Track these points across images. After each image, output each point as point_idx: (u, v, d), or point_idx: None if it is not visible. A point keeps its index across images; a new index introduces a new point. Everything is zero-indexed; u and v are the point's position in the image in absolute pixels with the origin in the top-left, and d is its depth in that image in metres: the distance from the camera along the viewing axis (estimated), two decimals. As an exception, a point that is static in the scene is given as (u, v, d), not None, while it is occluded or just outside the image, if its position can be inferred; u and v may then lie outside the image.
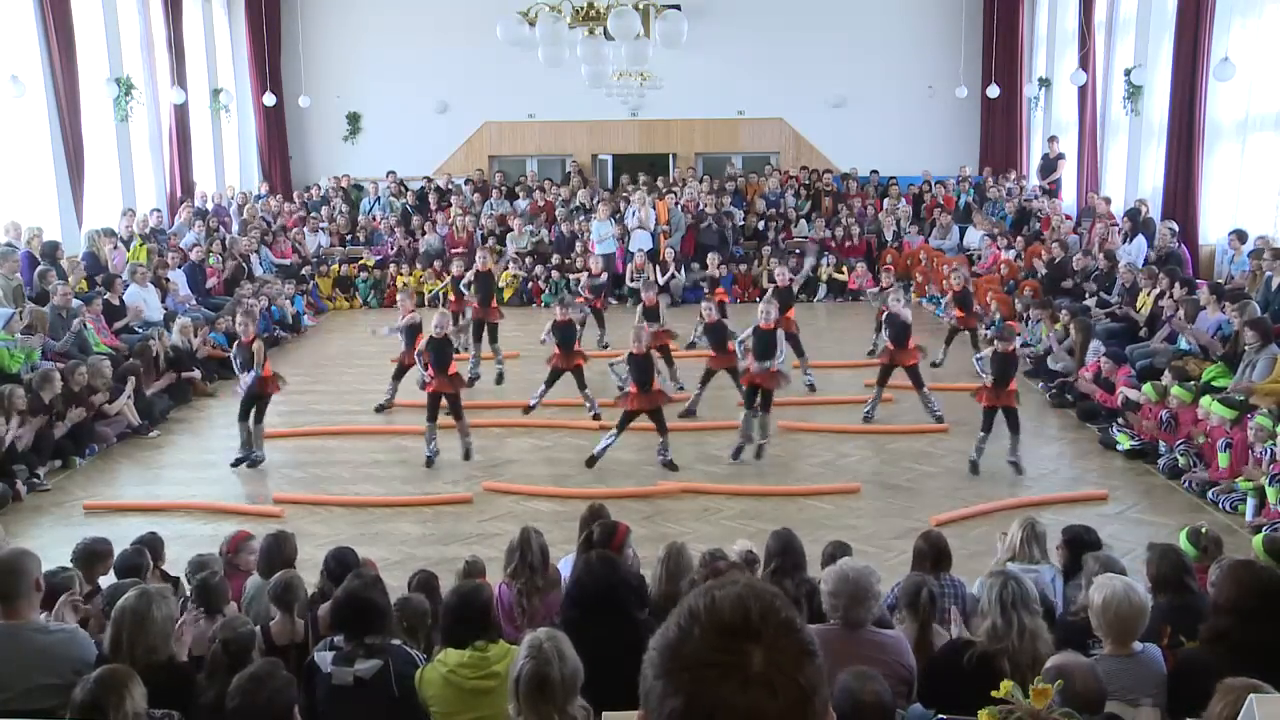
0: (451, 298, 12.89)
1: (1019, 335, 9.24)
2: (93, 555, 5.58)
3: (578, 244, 17.91)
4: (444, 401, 9.61)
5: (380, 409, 11.31)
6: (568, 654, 3.46)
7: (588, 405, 10.71)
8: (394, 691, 4.00)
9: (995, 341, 9.15)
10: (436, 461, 9.61)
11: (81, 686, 3.54)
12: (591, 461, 9.39)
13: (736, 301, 17.11)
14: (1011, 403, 9.10)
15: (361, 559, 5.67)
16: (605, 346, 12.97)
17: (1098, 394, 10.51)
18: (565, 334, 10.62)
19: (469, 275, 12.36)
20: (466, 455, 9.64)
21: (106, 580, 5.67)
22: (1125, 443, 9.59)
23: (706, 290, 13.80)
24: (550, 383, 10.70)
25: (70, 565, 5.39)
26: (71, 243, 13.42)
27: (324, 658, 4.08)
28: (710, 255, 14.29)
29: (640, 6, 11.48)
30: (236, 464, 9.54)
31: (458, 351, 12.95)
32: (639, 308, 11.79)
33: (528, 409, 10.80)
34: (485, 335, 12.37)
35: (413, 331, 10.71)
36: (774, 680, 1.26)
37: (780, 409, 10.96)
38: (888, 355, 10.62)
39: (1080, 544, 5.52)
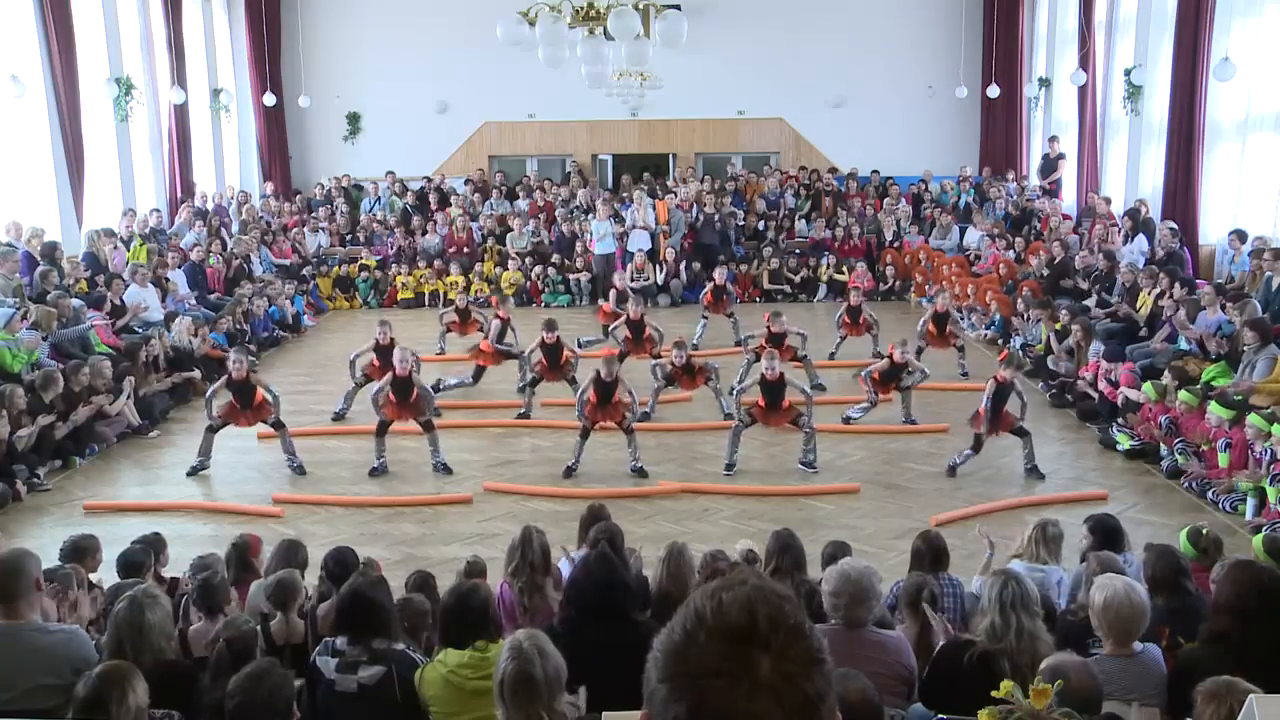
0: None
1: (1016, 366, 9.17)
2: (80, 551, 5.58)
3: (578, 244, 17.92)
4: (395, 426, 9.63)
5: (338, 417, 11.18)
6: (549, 652, 3.46)
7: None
8: (396, 696, 3.99)
9: (1002, 369, 9.11)
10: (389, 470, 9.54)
11: (84, 682, 3.54)
12: (568, 473, 9.34)
13: (737, 301, 17.12)
14: (1010, 426, 9.08)
15: (365, 559, 5.68)
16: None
17: (1105, 388, 10.47)
18: (552, 353, 10.80)
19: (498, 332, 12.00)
20: (446, 470, 9.44)
21: (97, 576, 5.68)
22: (1125, 443, 9.59)
23: (710, 296, 13.77)
24: (534, 385, 10.96)
25: (69, 565, 5.39)
26: (71, 243, 13.42)
27: (327, 663, 4.05)
28: (719, 271, 14.32)
29: (640, 6, 11.48)
30: (192, 472, 9.47)
31: (442, 352, 13.05)
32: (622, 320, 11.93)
33: (522, 414, 10.98)
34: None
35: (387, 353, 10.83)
36: (780, 689, 1.24)
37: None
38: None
39: (1102, 529, 5.54)
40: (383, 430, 9.50)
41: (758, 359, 11.26)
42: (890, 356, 10.50)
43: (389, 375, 9.57)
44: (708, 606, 1.30)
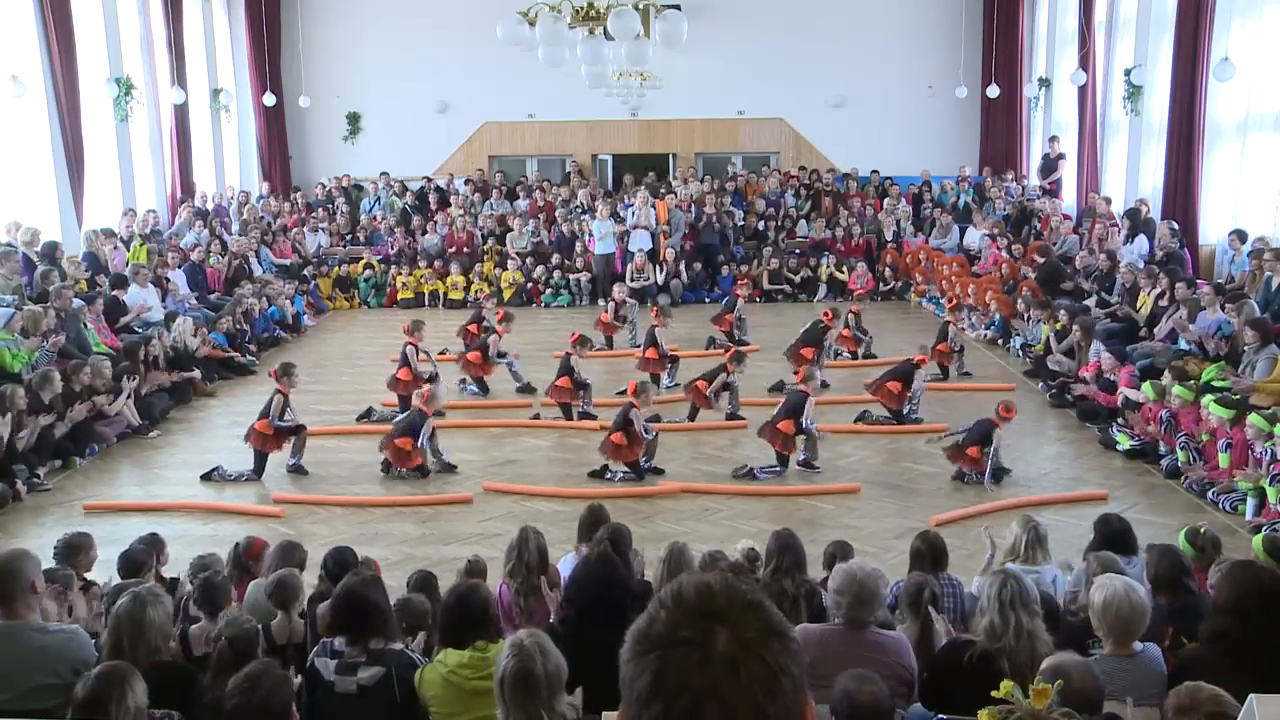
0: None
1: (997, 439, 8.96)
2: (73, 549, 5.59)
3: (578, 244, 17.92)
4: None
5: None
6: (550, 651, 3.46)
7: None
8: (396, 697, 3.99)
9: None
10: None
11: (83, 683, 3.54)
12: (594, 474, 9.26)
13: (739, 301, 17.10)
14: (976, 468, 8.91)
15: (362, 559, 5.67)
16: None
17: (1099, 396, 10.49)
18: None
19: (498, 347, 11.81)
20: (450, 468, 9.40)
21: (94, 576, 5.68)
22: (1125, 443, 9.58)
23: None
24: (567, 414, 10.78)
25: (66, 565, 5.39)
26: (71, 243, 13.42)
27: (325, 665, 4.05)
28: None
29: (640, 6, 11.49)
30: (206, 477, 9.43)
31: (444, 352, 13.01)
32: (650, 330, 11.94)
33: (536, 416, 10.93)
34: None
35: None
36: (737, 658, 1.27)
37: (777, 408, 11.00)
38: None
39: (1108, 530, 5.54)
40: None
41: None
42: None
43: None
44: (668, 591, 1.36)
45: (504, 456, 9.93)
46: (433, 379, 10.79)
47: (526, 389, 11.69)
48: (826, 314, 12.24)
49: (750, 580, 1.37)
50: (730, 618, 1.30)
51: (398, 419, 9.61)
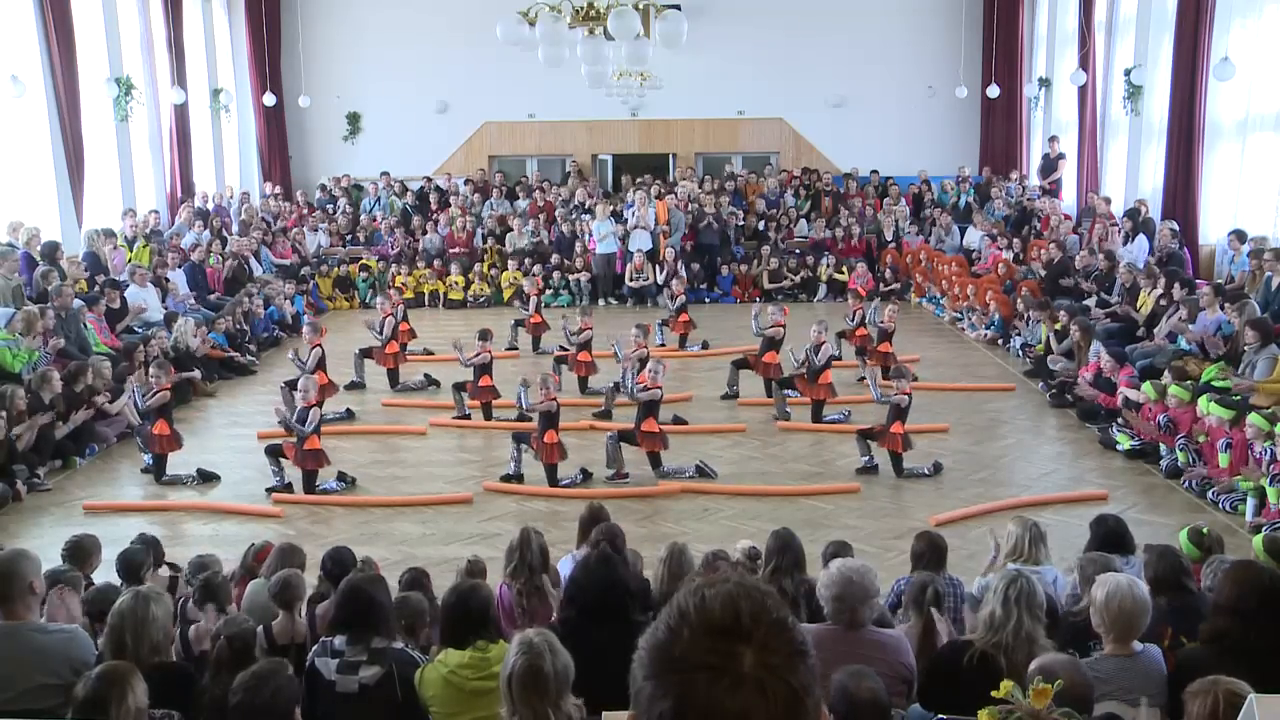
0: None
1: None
2: (82, 550, 5.59)
3: (578, 244, 17.92)
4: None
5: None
6: (559, 649, 3.47)
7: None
8: (397, 695, 3.99)
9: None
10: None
11: (83, 683, 3.54)
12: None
13: (736, 302, 17.15)
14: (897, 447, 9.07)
15: (363, 558, 5.67)
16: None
17: (1099, 396, 10.49)
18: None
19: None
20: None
21: (98, 577, 5.68)
22: (1125, 443, 9.58)
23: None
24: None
25: (73, 565, 5.39)
26: (71, 243, 13.42)
27: (327, 664, 4.04)
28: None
29: (640, 6, 11.48)
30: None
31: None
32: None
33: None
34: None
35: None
36: (765, 681, 1.25)
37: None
38: None
39: (1105, 531, 5.53)
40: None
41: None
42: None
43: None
44: (690, 603, 1.31)
45: (504, 456, 9.90)
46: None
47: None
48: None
49: (772, 591, 1.32)
50: (756, 638, 1.27)
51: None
